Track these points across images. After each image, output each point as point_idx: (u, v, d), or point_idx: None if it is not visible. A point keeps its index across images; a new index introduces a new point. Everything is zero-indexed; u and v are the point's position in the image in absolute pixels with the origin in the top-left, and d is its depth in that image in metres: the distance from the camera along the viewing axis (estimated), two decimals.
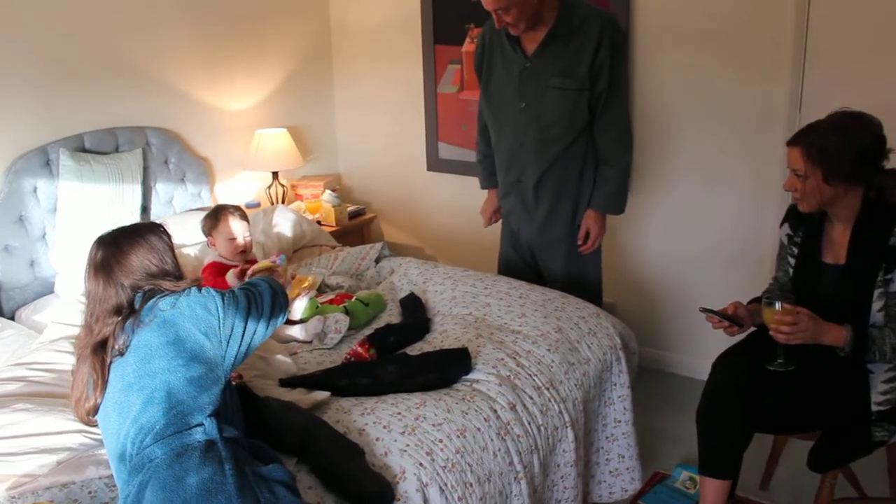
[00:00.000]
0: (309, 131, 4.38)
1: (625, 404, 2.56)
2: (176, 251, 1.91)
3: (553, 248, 2.96)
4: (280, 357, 2.37)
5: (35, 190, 3.19)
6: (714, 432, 2.26)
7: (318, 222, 4.00)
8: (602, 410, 2.54)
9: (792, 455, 2.71)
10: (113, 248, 1.80)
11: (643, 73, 3.39)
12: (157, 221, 1.95)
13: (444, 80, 4.00)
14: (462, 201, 4.16)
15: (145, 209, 3.50)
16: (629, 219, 3.58)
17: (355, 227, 4.15)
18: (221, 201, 3.58)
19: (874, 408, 2.11)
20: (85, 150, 3.33)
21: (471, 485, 1.91)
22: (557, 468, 2.27)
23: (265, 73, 4.09)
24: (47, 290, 3.19)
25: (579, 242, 2.88)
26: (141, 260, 1.79)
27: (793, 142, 2.11)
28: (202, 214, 3.07)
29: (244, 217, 2.86)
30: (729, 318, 2.26)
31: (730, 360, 2.30)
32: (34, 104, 3.18)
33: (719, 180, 3.34)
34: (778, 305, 2.08)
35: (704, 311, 2.26)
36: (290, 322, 2.55)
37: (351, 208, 4.19)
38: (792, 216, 2.33)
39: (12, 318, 3.05)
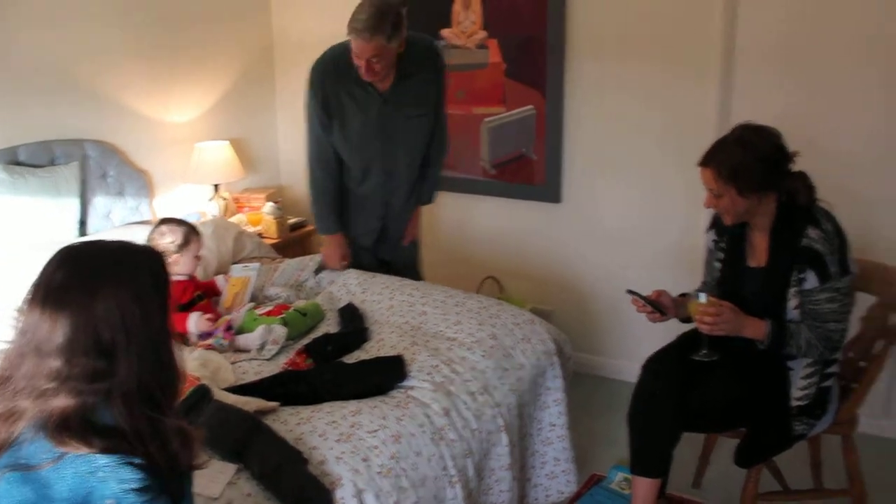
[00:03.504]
0: (251, 144, 4.38)
1: (560, 408, 2.62)
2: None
3: (405, 249, 3.38)
4: (221, 364, 2.39)
5: None
6: (643, 433, 2.35)
7: (260, 235, 4.00)
8: (537, 415, 2.60)
9: (722, 454, 2.80)
10: (82, 277, 1.25)
11: (576, 81, 3.48)
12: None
13: None
14: None
15: (83, 223, 3.47)
16: (564, 226, 3.67)
17: (297, 239, 4.16)
18: (161, 215, 3.56)
19: (794, 402, 2.23)
20: (19, 164, 3.29)
21: (406, 490, 1.95)
22: (492, 472, 2.32)
23: (206, 85, 4.08)
24: None
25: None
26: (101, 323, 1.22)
27: (703, 163, 2.22)
28: (142, 229, 3.06)
29: (197, 231, 2.88)
30: (652, 304, 2.37)
31: (658, 362, 2.39)
32: None
33: (654, 187, 3.44)
34: (703, 297, 2.20)
35: (631, 293, 2.38)
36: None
37: (292, 220, 4.20)
38: (717, 223, 2.44)
39: None
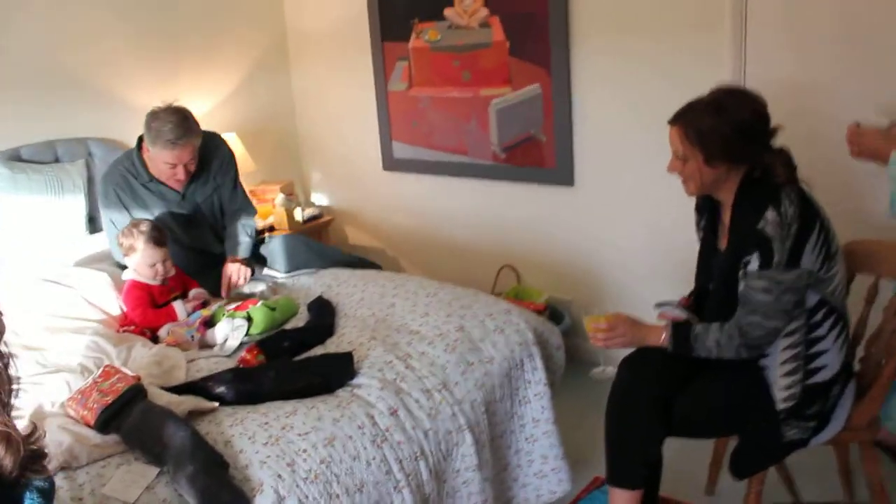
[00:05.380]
0: (267, 136, 4.33)
1: (542, 402, 2.44)
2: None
3: None
4: (176, 363, 2.32)
5: None
6: (619, 436, 2.12)
7: (272, 227, 3.95)
8: (517, 410, 2.42)
9: None
10: None
11: (583, 56, 3.25)
12: None
13: (393, 78, 3.92)
14: (419, 201, 4.08)
15: (92, 219, 3.47)
16: (579, 211, 3.46)
17: (311, 231, 4.09)
18: None
19: (780, 405, 1.97)
20: (23, 161, 3.32)
21: (337, 496, 1.82)
22: (457, 474, 2.16)
23: (216, 78, 4.05)
24: None
25: None
26: None
27: (672, 121, 1.99)
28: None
29: (161, 241, 2.76)
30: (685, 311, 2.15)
31: (637, 360, 2.17)
32: None
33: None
34: (596, 312, 2.08)
35: (660, 307, 2.17)
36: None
37: (307, 211, 4.13)
38: (700, 201, 2.20)
39: None
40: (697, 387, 2.07)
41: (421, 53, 3.75)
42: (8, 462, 1.23)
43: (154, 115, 2.81)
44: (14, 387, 1.37)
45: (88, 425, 1.98)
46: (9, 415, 1.28)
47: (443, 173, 3.89)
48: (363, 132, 4.18)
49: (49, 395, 2.20)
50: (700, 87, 2.04)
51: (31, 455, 1.34)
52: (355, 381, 2.14)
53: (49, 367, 2.38)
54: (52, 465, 1.84)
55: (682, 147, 1.95)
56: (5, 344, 1.38)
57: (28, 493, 1.33)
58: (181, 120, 2.77)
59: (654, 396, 2.04)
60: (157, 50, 3.77)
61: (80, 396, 2.07)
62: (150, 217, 2.95)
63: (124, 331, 2.66)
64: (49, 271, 2.89)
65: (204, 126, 3.84)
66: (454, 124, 3.73)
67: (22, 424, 2.03)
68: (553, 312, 3.52)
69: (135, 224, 2.74)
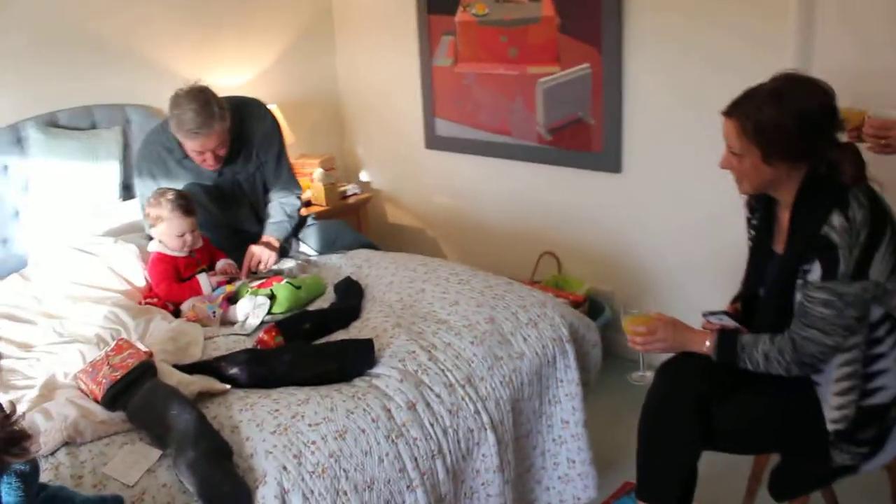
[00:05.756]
0: (308, 109, 4.23)
1: (573, 403, 2.30)
2: None
3: None
4: (193, 340, 2.25)
5: (6, 168, 3.15)
6: (653, 447, 1.97)
7: (309, 201, 3.87)
8: (546, 410, 2.29)
9: None
10: None
11: (636, 37, 3.07)
12: None
13: (438, 53, 3.78)
14: (460, 182, 3.95)
15: (126, 187, 3.42)
16: (626, 199, 3.30)
17: (350, 208, 3.99)
18: None
19: (830, 427, 1.80)
20: (59, 127, 3.28)
21: (345, 493, 1.72)
22: (477, 474, 2.05)
23: (258, 48, 3.96)
24: (21, 267, 3.15)
25: None
26: None
27: (727, 112, 1.81)
28: None
29: (189, 210, 2.67)
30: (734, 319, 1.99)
31: (676, 366, 2.00)
32: (6, 81, 3.14)
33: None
34: (635, 312, 1.92)
35: (709, 316, 2.00)
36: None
37: (345, 187, 4.04)
38: (753, 197, 2.03)
39: None
40: (741, 398, 1.90)
41: (468, 27, 3.60)
42: None
43: (175, 101, 2.67)
44: None
45: (96, 400, 1.92)
46: None
47: (485, 153, 3.74)
48: (406, 108, 4.05)
49: (63, 366, 2.15)
50: (760, 76, 1.85)
51: (9, 437, 1.26)
52: (374, 370, 2.03)
53: (66, 337, 2.32)
54: (55, 439, 1.79)
55: (737, 142, 1.77)
56: None
57: (6, 477, 1.26)
58: (202, 106, 2.62)
59: (692, 402, 1.88)
60: (198, 16, 3.69)
61: (90, 369, 2.00)
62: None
63: (147, 303, 2.60)
64: (77, 239, 2.85)
65: (248, 93, 3.75)
66: (499, 103, 3.59)
67: (31, 395, 2.00)
68: (593, 304, 3.38)
69: (161, 193, 2.66)
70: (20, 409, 1.91)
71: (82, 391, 1.98)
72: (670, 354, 2.02)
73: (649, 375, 2.02)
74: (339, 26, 4.28)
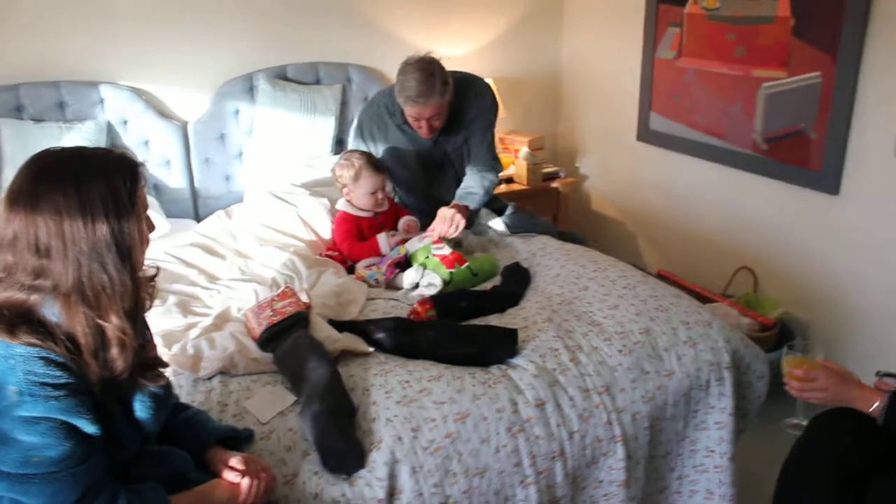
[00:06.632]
0: (524, 87, 4.23)
1: (723, 434, 2.16)
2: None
3: None
4: (355, 298, 2.35)
5: (237, 112, 3.45)
6: None
7: (510, 178, 3.89)
8: (691, 434, 2.17)
9: None
10: (34, 184, 1.28)
11: (880, 49, 2.74)
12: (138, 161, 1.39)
13: (662, 45, 3.62)
14: (666, 179, 3.78)
15: (340, 142, 3.63)
16: (840, 224, 2.99)
17: (549, 191, 3.96)
18: None
19: None
20: (286, 80, 3.53)
21: (455, 474, 1.73)
22: (599, 484, 1.98)
23: (485, 23, 4.01)
24: (238, 202, 3.42)
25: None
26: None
27: None
28: None
29: (380, 167, 2.79)
30: None
31: (834, 418, 1.81)
32: (248, 34, 3.44)
33: None
34: (798, 354, 1.75)
35: (883, 377, 1.80)
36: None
37: (550, 169, 4.00)
38: None
39: None
40: None
41: (695, 20, 3.41)
42: (120, 363, 1.31)
43: (403, 68, 2.77)
44: (148, 303, 1.45)
45: (254, 339, 2.07)
46: (133, 325, 1.34)
47: (696, 154, 3.56)
48: (623, 97, 3.94)
49: (238, 301, 2.34)
50: None
51: (143, 363, 1.41)
52: (513, 360, 2.01)
53: (247, 275, 2.52)
54: (214, 367, 1.95)
55: None
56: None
57: (140, 394, 1.41)
58: (425, 77, 2.69)
59: (843, 467, 1.69)
60: None
61: (257, 309, 2.16)
62: (397, 158, 2.99)
63: (327, 255, 2.75)
64: (279, 187, 3.06)
65: (468, 66, 3.80)
66: (717, 103, 3.38)
67: (206, 323, 2.19)
68: (784, 330, 3.13)
69: (350, 153, 2.79)
70: (192, 334, 2.12)
71: (247, 327, 2.15)
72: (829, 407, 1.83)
73: (805, 425, 1.84)
74: (569, 6, 4.22)
